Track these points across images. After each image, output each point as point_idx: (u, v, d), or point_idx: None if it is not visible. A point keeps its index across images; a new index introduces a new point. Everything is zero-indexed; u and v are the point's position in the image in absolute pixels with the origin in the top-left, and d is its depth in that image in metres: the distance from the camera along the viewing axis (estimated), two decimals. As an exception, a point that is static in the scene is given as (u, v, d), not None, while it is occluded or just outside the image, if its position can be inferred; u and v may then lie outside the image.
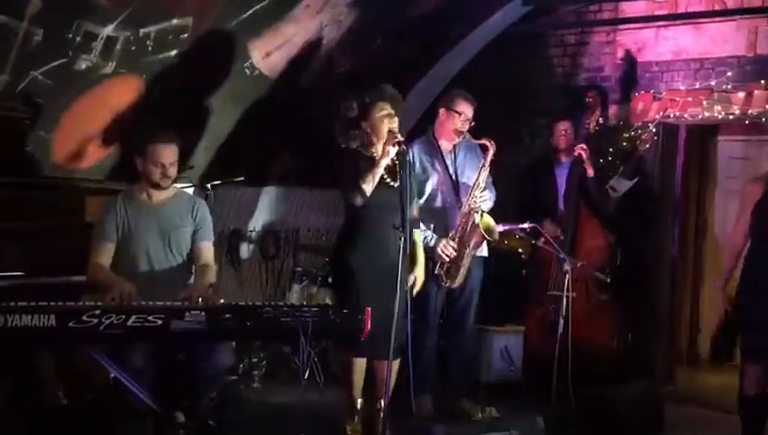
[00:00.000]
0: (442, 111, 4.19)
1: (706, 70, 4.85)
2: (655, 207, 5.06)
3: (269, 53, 4.44)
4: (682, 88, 4.86)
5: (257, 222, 5.33)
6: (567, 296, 4.04)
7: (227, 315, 2.83)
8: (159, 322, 2.72)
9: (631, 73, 5.09)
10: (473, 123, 4.16)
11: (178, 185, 3.81)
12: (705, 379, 5.17)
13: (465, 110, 4.12)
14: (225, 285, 5.09)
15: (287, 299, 4.95)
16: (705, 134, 5.38)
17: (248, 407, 4.13)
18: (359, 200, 3.55)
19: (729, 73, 4.72)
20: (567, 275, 4.06)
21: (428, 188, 4.13)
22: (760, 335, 3.21)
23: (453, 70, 5.67)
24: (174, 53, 4.01)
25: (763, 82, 4.59)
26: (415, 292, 3.60)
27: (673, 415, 4.15)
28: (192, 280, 3.32)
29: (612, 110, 5.16)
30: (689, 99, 4.79)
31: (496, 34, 5.54)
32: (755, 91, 4.57)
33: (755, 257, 3.33)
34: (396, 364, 3.50)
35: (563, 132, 4.96)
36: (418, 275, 3.70)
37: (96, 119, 4.05)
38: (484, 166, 4.10)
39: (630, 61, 5.08)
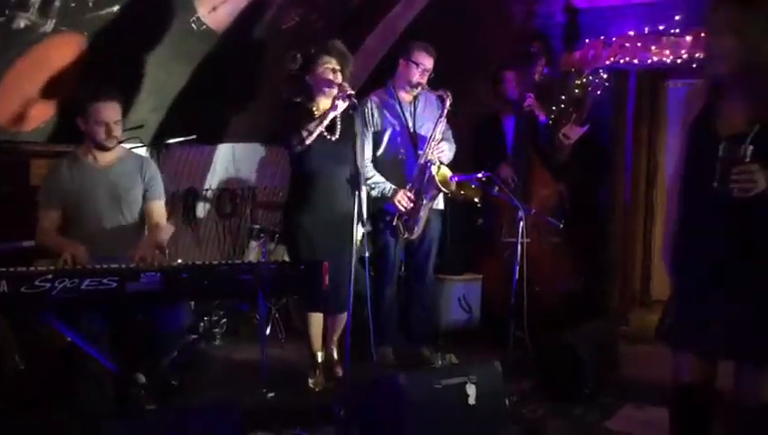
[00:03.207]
0: (401, 61, 4.17)
1: (656, 14, 4.89)
2: (607, 152, 5.13)
3: (215, 7, 4.33)
4: (632, 33, 4.89)
5: (212, 181, 5.27)
6: (521, 243, 4.10)
7: (184, 275, 2.82)
8: (114, 284, 2.70)
9: (573, 22, 5.09)
10: (432, 75, 4.15)
11: (128, 145, 3.74)
12: (657, 318, 5.32)
13: (424, 61, 4.11)
14: (183, 244, 5.05)
15: (245, 257, 4.94)
16: (654, 79, 5.43)
17: (210, 365, 4.15)
18: (297, 148, 3.55)
19: (677, 17, 4.76)
20: (521, 223, 4.12)
21: (386, 140, 4.13)
22: (685, 314, 2.38)
23: (405, 21, 5.61)
24: (116, 8, 3.89)
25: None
26: (358, 238, 3.59)
27: (627, 353, 4.29)
28: (141, 241, 3.29)
29: (562, 57, 5.18)
30: (638, 44, 4.82)
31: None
32: (703, 35, 4.62)
33: (684, 207, 2.41)
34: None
35: (509, 82, 4.98)
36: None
37: (37, 79, 3.91)
38: (441, 118, 4.11)
39: (571, 9, 5.08)
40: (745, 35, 2.20)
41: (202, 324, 4.51)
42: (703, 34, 4.61)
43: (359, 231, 3.48)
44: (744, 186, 2.12)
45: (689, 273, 2.39)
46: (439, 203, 4.29)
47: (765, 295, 2.24)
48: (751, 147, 2.12)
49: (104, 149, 3.31)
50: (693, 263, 2.37)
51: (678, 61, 4.73)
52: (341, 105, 3.51)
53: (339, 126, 3.65)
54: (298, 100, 3.66)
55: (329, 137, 3.63)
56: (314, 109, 3.64)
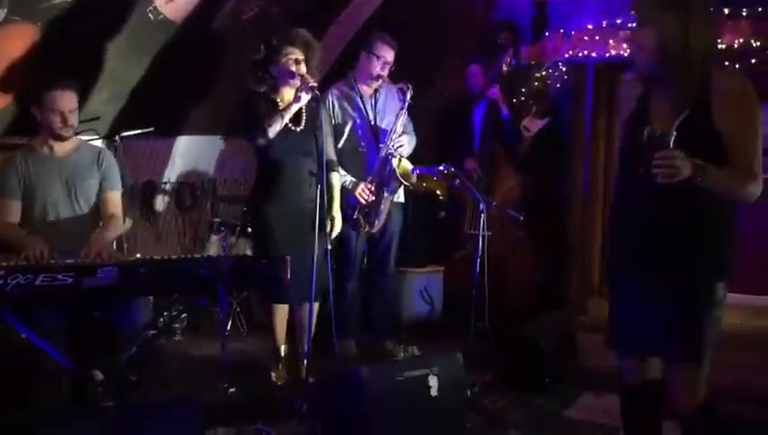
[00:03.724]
0: (362, 54, 4.15)
1: (613, 8, 4.95)
2: (565, 144, 5.19)
3: (173, -3, 4.26)
4: (590, 27, 4.95)
5: (171, 174, 5.20)
6: (483, 235, 4.13)
7: (141, 270, 2.77)
8: (70, 280, 2.63)
9: (542, 13, 5.13)
10: (393, 67, 4.14)
11: (85, 137, 3.67)
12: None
13: (386, 54, 4.10)
14: (141, 238, 4.98)
15: (206, 251, 4.88)
16: (612, 72, 5.51)
17: (170, 360, 4.10)
18: (260, 141, 3.52)
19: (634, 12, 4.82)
20: (482, 215, 4.15)
21: (347, 133, 4.12)
22: (620, 316, 2.36)
23: (367, 12, 5.58)
24: (71, -3, 3.80)
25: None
26: (334, 235, 3.62)
27: (585, 343, 4.35)
28: (95, 233, 3.23)
29: (524, 50, 5.22)
30: (597, 38, 4.88)
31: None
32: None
33: (617, 196, 2.41)
34: (316, 308, 3.54)
35: (475, 75, 5.00)
36: (336, 217, 3.72)
37: (-11, 70, 3.82)
38: (402, 110, 4.11)
39: (540, 1, 5.12)
40: (662, 25, 2.17)
41: (161, 320, 4.43)
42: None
43: (338, 224, 3.49)
44: (667, 171, 2.07)
45: (621, 265, 2.36)
46: (400, 196, 4.29)
47: (695, 287, 2.20)
48: (674, 133, 2.09)
49: (60, 138, 3.26)
50: (624, 252, 2.34)
51: (636, 55, 4.80)
52: (305, 97, 3.49)
53: (304, 117, 3.62)
54: (262, 90, 3.62)
55: (293, 128, 3.60)
56: (278, 100, 3.61)
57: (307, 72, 3.54)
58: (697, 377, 2.23)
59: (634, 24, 4.92)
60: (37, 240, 2.99)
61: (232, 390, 3.25)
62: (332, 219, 3.68)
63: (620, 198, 2.38)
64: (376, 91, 4.21)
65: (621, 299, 2.38)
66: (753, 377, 3.71)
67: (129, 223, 3.73)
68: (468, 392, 3.37)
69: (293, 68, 3.52)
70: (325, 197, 3.39)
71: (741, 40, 4.37)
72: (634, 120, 2.32)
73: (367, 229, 4.12)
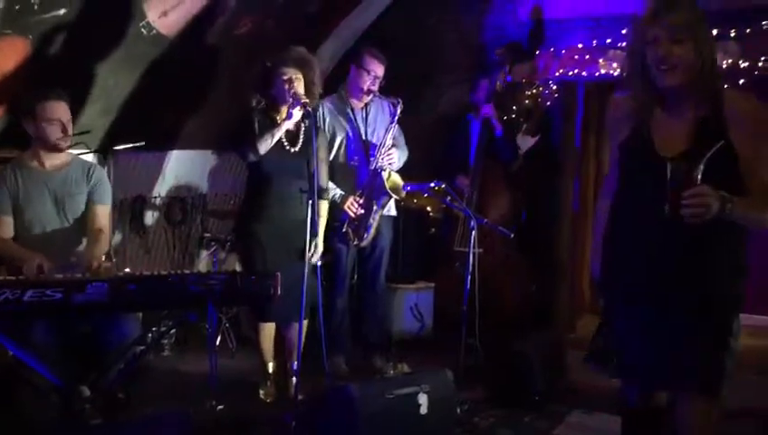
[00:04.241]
0: (353, 68, 4.18)
1: (603, 27, 5.00)
2: (556, 162, 5.22)
3: (166, 12, 4.26)
4: (580, 46, 4.99)
5: (162, 188, 5.19)
6: (474, 252, 4.14)
7: (131, 286, 2.75)
8: (59, 295, 2.62)
9: (538, 31, 5.16)
10: (383, 82, 4.17)
11: (75, 151, 3.66)
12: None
13: (376, 68, 4.12)
14: (131, 253, 4.95)
15: (196, 266, 4.87)
16: (602, 90, 5.55)
17: (159, 377, 4.07)
18: (251, 157, 3.52)
19: (624, 31, 4.87)
20: (473, 232, 4.16)
21: (337, 146, 4.13)
22: (628, 346, 2.28)
23: (359, 28, 5.62)
24: (63, 11, 3.79)
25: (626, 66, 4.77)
26: (314, 260, 3.56)
27: (575, 360, 4.35)
28: (85, 248, 3.22)
29: (517, 68, 5.25)
30: (587, 57, 4.93)
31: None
32: (653, 43, 4.73)
33: (619, 224, 2.28)
34: (305, 324, 3.53)
35: (475, 92, 5.04)
36: (319, 244, 3.69)
37: (-20, 83, 3.80)
38: (392, 124, 4.13)
39: (538, 18, 5.15)
40: (702, 41, 2.08)
41: (150, 335, 4.40)
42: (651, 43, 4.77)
43: (320, 248, 3.47)
44: (697, 211, 1.95)
45: (629, 294, 2.23)
46: (391, 210, 4.30)
47: (715, 319, 2.13)
48: (701, 168, 1.97)
49: (58, 149, 3.26)
50: (633, 281, 2.21)
51: (625, 74, 4.83)
52: (296, 114, 3.50)
53: (301, 138, 3.62)
54: (261, 107, 3.63)
55: (288, 148, 3.60)
56: (277, 117, 3.61)
57: (306, 89, 3.55)
58: (713, 410, 2.16)
59: (624, 44, 4.93)
60: (36, 254, 2.98)
61: (220, 407, 3.23)
62: (315, 245, 3.65)
63: (623, 225, 2.25)
64: (366, 104, 4.23)
65: (629, 329, 2.26)
66: (753, 397, 3.70)
67: (117, 237, 3.71)
68: (458, 410, 3.37)
69: (286, 87, 3.52)
70: (316, 217, 3.37)
71: (729, 61, 4.42)
72: (634, 150, 2.21)
73: (356, 243, 4.12)
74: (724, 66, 4.40)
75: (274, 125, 3.55)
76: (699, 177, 1.97)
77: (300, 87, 3.53)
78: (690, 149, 2.09)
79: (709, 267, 2.12)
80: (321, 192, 3.71)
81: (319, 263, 3.54)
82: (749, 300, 2.21)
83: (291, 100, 3.48)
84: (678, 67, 2.08)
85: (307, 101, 3.46)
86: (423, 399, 3.01)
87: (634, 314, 2.25)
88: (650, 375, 2.24)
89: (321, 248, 3.71)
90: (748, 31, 4.40)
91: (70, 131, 3.27)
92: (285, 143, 3.59)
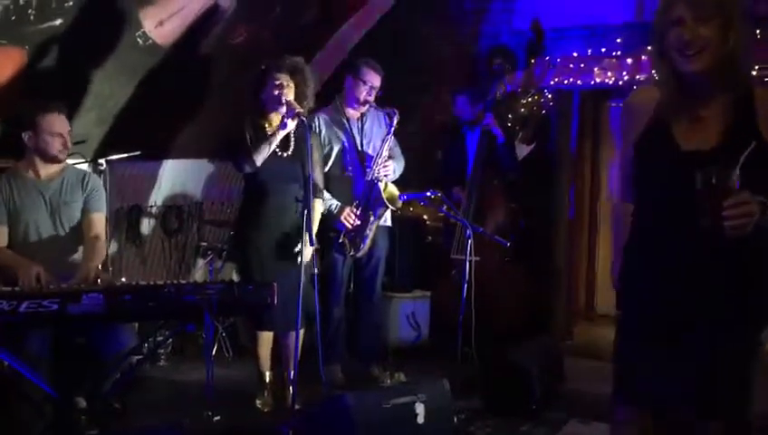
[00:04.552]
0: (349, 79, 4.18)
1: (597, 35, 5.03)
2: (552, 170, 5.24)
3: (162, 22, 4.27)
4: (575, 54, 5.02)
5: (158, 197, 5.18)
6: (470, 261, 4.14)
7: (127, 297, 2.74)
8: (55, 306, 2.61)
9: (538, 42, 5.16)
10: (379, 93, 4.17)
11: (71, 161, 3.66)
12: (601, 332, 5.45)
13: (372, 79, 4.12)
14: (127, 262, 4.95)
15: (192, 275, 4.86)
16: (597, 98, 5.58)
17: (155, 386, 4.06)
18: (247, 169, 3.53)
19: (618, 40, 4.90)
20: (469, 240, 4.16)
21: (333, 157, 4.13)
22: (647, 370, 1.97)
23: (355, 38, 5.63)
24: (59, 22, 3.80)
25: (649, 48, 4.79)
26: (306, 257, 3.53)
27: (571, 368, 4.36)
28: (82, 258, 3.21)
29: (513, 76, 5.26)
30: (582, 65, 4.95)
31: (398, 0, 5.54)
32: (643, 57, 4.77)
33: (634, 229, 2.02)
34: (301, 333, 3.53)
35: (462, 106, 5.04)
36: (308, 239, 3.67)
37: (-25, 93, 3.80)
38: (388, 135, 4.13)
39: (538, 29, 5.16)
40: (732, 21, 1.81)
41: (146, 345, 4.40)
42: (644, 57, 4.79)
43: (308, 249, 3.45)
44: (741, 222, 1.69)
45: (657, 316, 1.94)
46: (387, 220, 4.30)
47: (740, 346, 1.88)
48: (737, 171, 1.71)
49: (57, 161, 3.29)
50: (663, 306, 1.93)
51: (620, 82, 4.87)
52: (290, 124, 3.50)
53: (292, 143, 3.63)
54: (250, 116, 3.63)
55: (281, 153, 3.60)
56: (266, 125, 3.61)
57: (299, 99, 3.55)
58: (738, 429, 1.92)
59: (619, 53, 4.93)
60: (32, 263, 2.97)
61: (217, 417, 3.22)
62: (305, 243, 3.62)
63: (644, 236, 1.96)
64: (362, 115, 4.23)
65: (645, 356, 1.97)
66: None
67: (113, 246, 3.71)
68: (455, 419, 3.36)
69: (278, 93, 3.52)
70: (310, 222, 3.36)
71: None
72: (653, 146, 1.92)
73: (353, 253, 4.12)
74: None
75: (264, 134, 3.55)
76: (737, 182, 1.71)
77: (290, 94, 3.53)
78: (719, 147, 1.83)
79: (749, 285, 1.87)
80: (316, 191, 3.72)
81: (316, 272, 3.53)
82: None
83: (284, 109, 3.48)
84: (706, 50, 1.81)
85: (301, 110, 3.46)
86: (420, 408, 3.00)
87: (658, 339, 1.95)
88: (668, 402, 1.97)
89: (309, 250, 3.67)
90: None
91: (69, 144, 3.30)
92: (278, 150, 3.59)
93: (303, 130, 3.47)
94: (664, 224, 1.91)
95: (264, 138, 3.54)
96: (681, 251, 1.88)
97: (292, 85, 3.55)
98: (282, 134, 3.52)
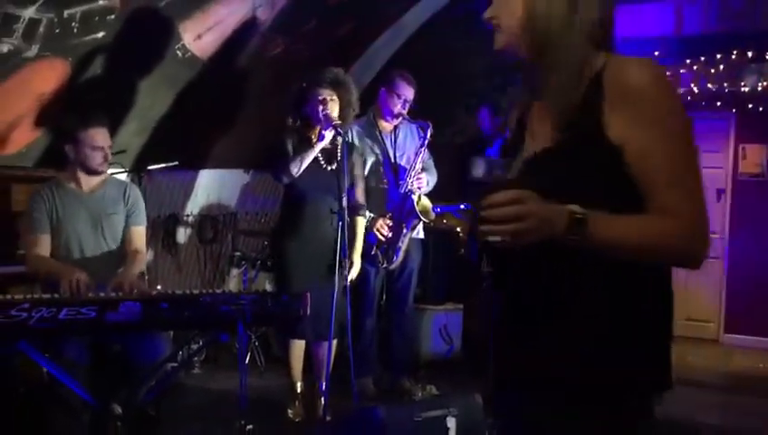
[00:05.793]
0: (382, 91, 4.19)
1: (634, 49, 4.98)
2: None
3: (200, 35, 4.35)
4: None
5: (194, 206, 5.26)
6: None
7: (163, 305, 2.78)
8: (93, 314, 2.65)
9: None
10: (413, 106, 4.18)
11: (111, 171, 3.73)
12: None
13: (405, 92, 4.13)
14: (163, 270, 5.01)
15: (226, 284, 4.91)
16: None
17: (189, 394, 4.10)
18: (285, 179, 3.56)
19: (656, 53, 4.85)
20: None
21: (367, 169, 4.14)
22: None
23: (389, 51, 5.66)
24: (101, 34, 3.89)
25: (688, 61, 4.74)
26: (350, 278, 3.58)
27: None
28: (122, 268, 3.26)
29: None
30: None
31: (431, 15, 5.55)
32: (681, 71, 4.72)
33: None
34: (334, 344, 3.53)
35: (484, 118, 5.04)
36: (355, 260, 3.72)
37: (20, 104, 3.89)
38: (422, 148, 4.14)
39: None
40: None
41: (181, 353, 4.46)
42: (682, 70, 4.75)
43: (355, 269, 3.48)
44: (501, 229, 1.27)
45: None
46: (419, 232, 4.29)
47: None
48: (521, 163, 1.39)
49: (97, 173, 3.32)
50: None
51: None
52: (327, 135, 3.52)
53: (338, 156, 3.63)
54: (296, 127, 3.66)
55: (325, 166, 3.63)
56: (312, 136, 3.62)
57: (345, 110, 3.57)
58: None
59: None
60: (74, 269, 3.01)
61: (249, 427, 3.24)
62: (351, 263, 3.64)
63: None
64: (395, 128, 4.24)
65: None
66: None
67: (150, 255, 3.76)
68: (487, 434, 3.33)
69: (320, 108, 3.54)
70: (346, 237, 3.38)
71: (765, 83, 4.37)
72: (508, 147, 1.53)
73: (385, 265, 4.12)
74: (760, 89, 4.35)
75: (309, 145, 3.58)
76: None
77: (334, 109, 3.55)
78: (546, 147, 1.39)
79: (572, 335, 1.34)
80: (359, 208, 3.73)
81: (347, 283, 3.55)
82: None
83: (323, 121, 3.50)
84: (508, 25, 1.47)
85: (339, 122, 3.48)
86: (451, 423, 2.98)
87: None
88: None
89: (358, 265, 3.72)
90: None
91: (110, 157, 3.34)
92: (322, 162, 3.61)
93: (341, 144, 3.50)
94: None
95: (303, 149, 3.55)
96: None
97: (336, 98, 3.57)
98: (320, 146, 3.54)
